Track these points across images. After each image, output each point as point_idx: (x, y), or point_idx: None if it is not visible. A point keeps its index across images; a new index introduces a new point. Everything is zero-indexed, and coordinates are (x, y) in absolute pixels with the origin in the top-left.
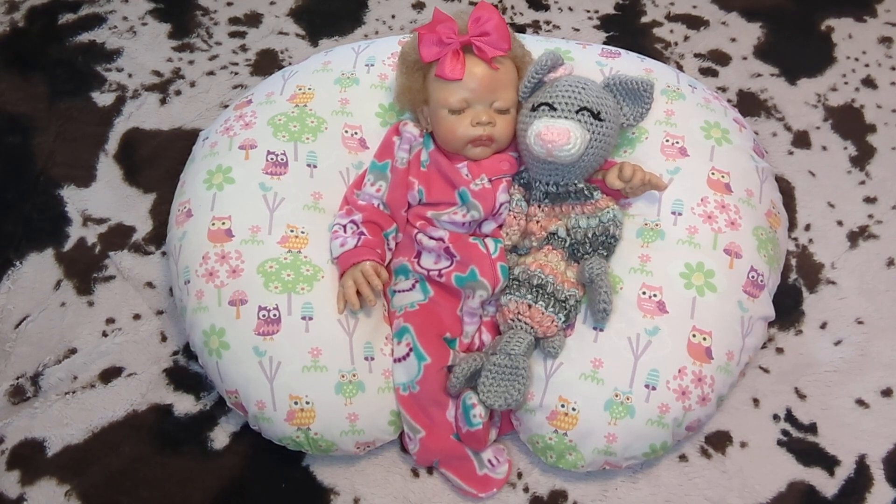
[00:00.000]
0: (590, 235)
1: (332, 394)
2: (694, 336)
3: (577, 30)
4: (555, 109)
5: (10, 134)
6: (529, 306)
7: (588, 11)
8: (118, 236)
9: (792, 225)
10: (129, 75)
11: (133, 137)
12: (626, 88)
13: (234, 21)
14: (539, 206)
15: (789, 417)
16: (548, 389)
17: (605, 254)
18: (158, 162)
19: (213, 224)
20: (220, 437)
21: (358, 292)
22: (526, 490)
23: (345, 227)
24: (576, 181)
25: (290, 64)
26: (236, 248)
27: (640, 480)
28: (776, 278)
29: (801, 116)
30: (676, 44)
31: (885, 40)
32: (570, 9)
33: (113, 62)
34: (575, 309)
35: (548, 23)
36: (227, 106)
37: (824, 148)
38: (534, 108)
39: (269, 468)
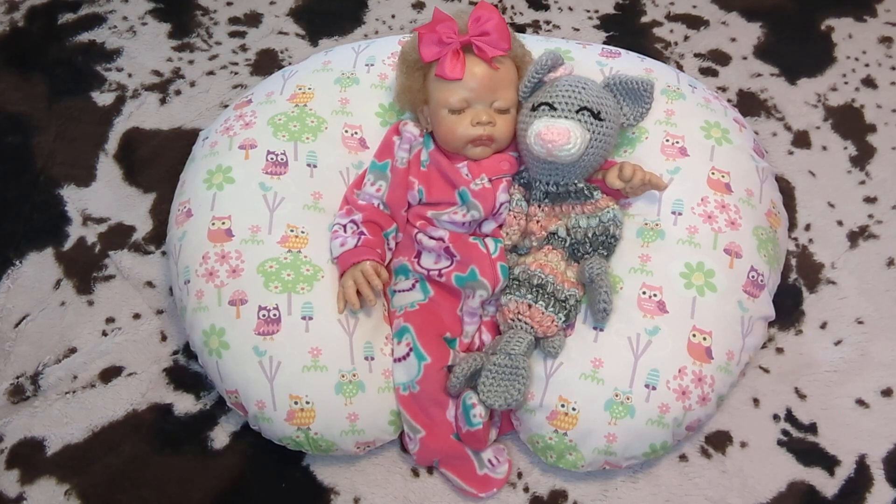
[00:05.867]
0: (590, 235)
1: (332, 394)
2: (694, 336)
3: (577, 30)
4: (555, 109)
5: (10, 134)
6: (529, 306)
7: (588, 11)
8: (118, 236)
9: (792, 225)
10: (129, 75)
11: (133, 137)
12: (627, 88)
13: (234, 21)
14: (539, 206)
15: (789, 417)
16: (548, 389)
17: (605, 253)
18: (158, 162)
19: (213, 224)
20: (220, 436)
21: (358, 292)
22: (526, 490)
23: (345, 226)
24: (576, 181)
25: (290, 64)
26: (236, 248)
27: (640, 480)
28: (776, 278)
29: (801, 116)
30: (676, 44)
31: (885, 40)
32: (570, 9)
33: (113, 62)
34: (575, 309)
35: (548, 23)
36: (227, 106)
37: (824, 148)
38: (534, 108)
39: (269, 468)
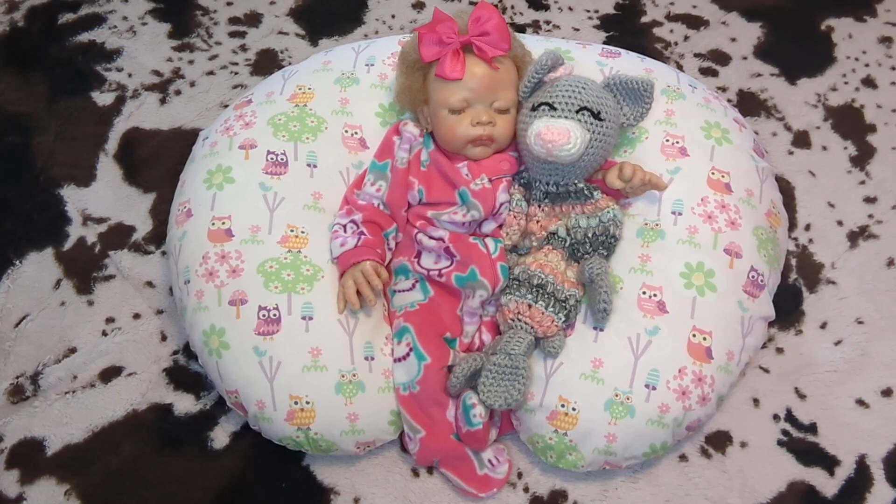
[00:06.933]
0: (590, 235)
1: (332, 394)
2: (694, 336)
3: (577, 30)
4: (555, 109)
5: (10, 134)
6: (529, 306)
7: (588, 11)
8: (118, 236)
9: (792, 225)
10: (129, 75)
11: (133, 137)
12: (627, 88)
13: (234, 21)
14: (539, 206)
15: (789, 417)
16: (548, 389)
17: (606, 253)
18: (158, 162)
19: (213, 224)
20: (220, 436)
21: (358, 292)
22: (526, 490)
23: (345, 226)
24: (576, 181)
25: (290, 64)
26: (236, 248)
27: (640, 480)
28: (776, 278)
29: (801, 116)
30: (676, 44)
31: (885, 40)
32: (570, 9)
33: (113, 62)
34: (575, 309)
35: (548, 23)
36: (227, 106)
37: (824, 148)
38: (534, 108)
39: (269, 468)
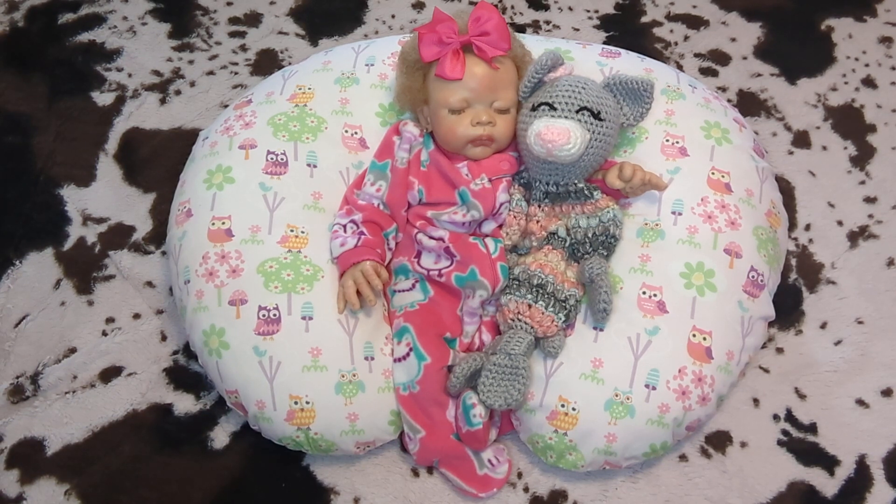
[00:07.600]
0: (590, 235)
1: (332, 394)
2: (694, 336)
3: (577, 30)
4: (555, 109)
5: (10, 134)
6: (529, 306)
7: (588, 11)
8: (118, 236)
9: (792, 225)
10: (129, 75)
11: (133, 137)
12: (627, 88)
13: (234, 21)
14: (539, 206)
15: (789, 417)
16: (548, 389)
17: (605, 253)
18: (158, 162)
19: (213, 224)
20: (220, 436)
21: (358, 292)
22: (526, 490)
23: (345, 226)
24: (576, 181)
25: (290, 64)
26: (236, 248)
27: (640, 480)
28: (776, 278)
29: (801, 116)
30: (676, 44)
31: (885, 40)
32: (570, 9)
33: (113, 62)
34: (575, 309)
35: (548, 23)
36: (227, 106)
37: (824, 148)
38: (534, 108)
39: (269, 468)
